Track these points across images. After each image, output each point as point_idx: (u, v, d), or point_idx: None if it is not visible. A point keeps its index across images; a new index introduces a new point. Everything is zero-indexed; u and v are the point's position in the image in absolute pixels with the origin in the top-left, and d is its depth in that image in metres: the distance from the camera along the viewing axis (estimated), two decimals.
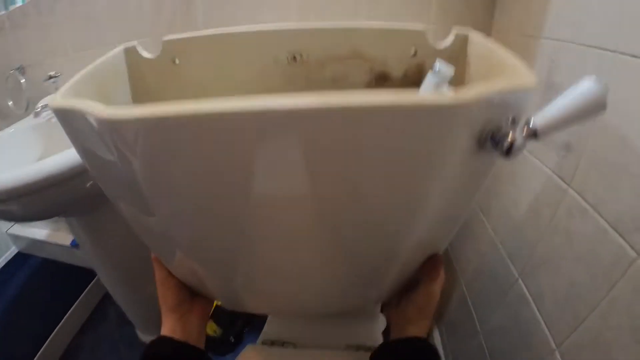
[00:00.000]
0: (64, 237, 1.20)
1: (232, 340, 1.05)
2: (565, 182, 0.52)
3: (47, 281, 1.26)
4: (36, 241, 1.28)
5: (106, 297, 1.26)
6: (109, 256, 0.91)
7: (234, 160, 0.27)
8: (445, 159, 0.28)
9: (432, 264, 0.50)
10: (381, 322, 0.73)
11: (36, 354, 1.07)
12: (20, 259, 1.36)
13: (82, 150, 0.33)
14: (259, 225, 0.34)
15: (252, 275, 0.46)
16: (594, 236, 0.47)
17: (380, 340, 0.69)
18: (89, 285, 1.20)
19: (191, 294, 0.56)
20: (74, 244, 1.14)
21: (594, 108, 0.25)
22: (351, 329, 0.71)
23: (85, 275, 1.24)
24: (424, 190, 0.30)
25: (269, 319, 0.73)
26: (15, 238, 1.36)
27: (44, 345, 1.09)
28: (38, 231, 1.29)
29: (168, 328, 0.53)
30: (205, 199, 0.31)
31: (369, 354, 0.62)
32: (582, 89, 0.25)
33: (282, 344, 0.66)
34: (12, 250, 1.38)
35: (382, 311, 0.76)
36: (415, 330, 0.52)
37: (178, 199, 0.32)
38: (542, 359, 0.57)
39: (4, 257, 1.35)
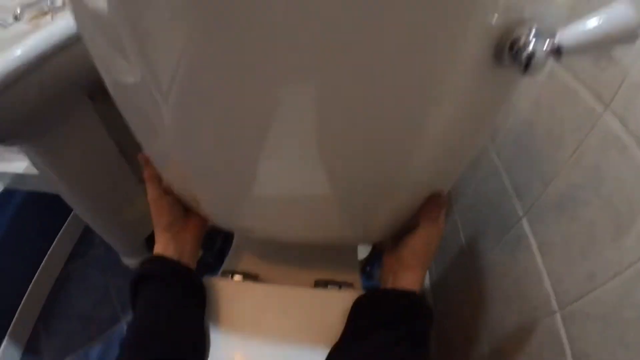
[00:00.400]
0: None
1: (211, 262, 1.06)
2: (602, 103, 0.39)
3: (33, 215, 1.24)
4: (17, 175, 1.22)
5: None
6: (74, 186, 0.87)
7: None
8: (462, 56, 0.26)
9: (433, 203, 0.46)
10: (356, 259, 0.68)
11: (27, 289, 1.09)
12: (5, 196, 1.32)
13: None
14: (261, 124, 0.32)
15: (246, 187, 0.43)
16: (634, 179, 0.35)
17: (356, 277, 0.63)
18: (72, 214, 1.18)
19: (185, 213, 0.54)
20: None
21: (624, 35, 0.23)
22: (323, 263, 0.65)
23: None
24: (435, 93, 0.29)
25: (232, 246, 0.69)
26: None
27: (34, 277, 1.10)
28: (19, 164, 1.23)
29: (161, 246, 0.51)
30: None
31: (339, 292, 0.58)
32: (616, 12, 0.23)
33: (244, 275, 0.62)
34: None
35: (375, 250, 0.69)
36: (409, 278, 0.48)
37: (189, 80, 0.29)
38: (538, 318, 0.50)
39: None
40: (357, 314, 0.49)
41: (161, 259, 0.50)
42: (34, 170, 1.21)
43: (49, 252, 1.14)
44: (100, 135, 0.83)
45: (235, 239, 0.70)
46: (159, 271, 0.49)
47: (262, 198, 0.45)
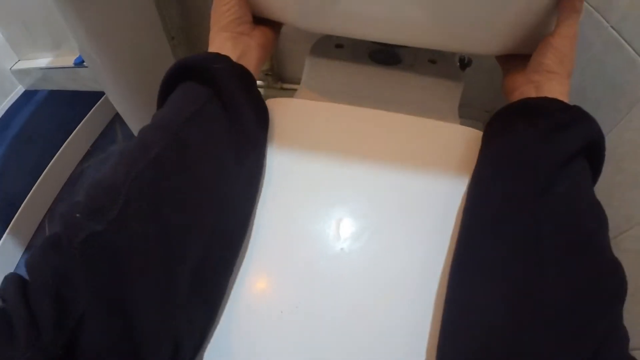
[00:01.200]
0: (67, 60, 1.11)
1: None
2: None
3: (52, 112, 1.18)
4: (40, 71, 1.18)
5: (115, 120, 1.19)
6: (115, 67, 0.77)
7: None
8: None
9: None
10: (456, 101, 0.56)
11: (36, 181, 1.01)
12: (26, 96, 1.26)
13: None
14: None
15: None
16: None
17: (456, 119, 0.53)
18: (93, 108, 1.12)
19: (253, 20, 0.45)
20: (78, 62, 1.02)
21: None
22: (418, 96, 0.54)
23: (90, 99, 1.16)
24: None
25: (305, 71, 0.57)
26: (20, 74, 1.25)
27: (44, 171, 1.02)
28: (42, 61, 1.18)
29: (215, 47, 0.41)
30: None
31: (450, 124, 0.46)
32: None
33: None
34: (19, 90, 1.28)
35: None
36: (556, 89, 0.39)
37: None
38: None
39: (10, 97, 1.25)
40: (508, 122, 0.39)
41: (213, 54, 0.39)
42: (58, 63, 1.18)
43: (62, 146, 1.06)
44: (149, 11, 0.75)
45: (306, 68, 0.58)
46: (207, 64, 0.37)
47: None
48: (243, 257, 0.36)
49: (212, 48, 0.41)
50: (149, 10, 0.74)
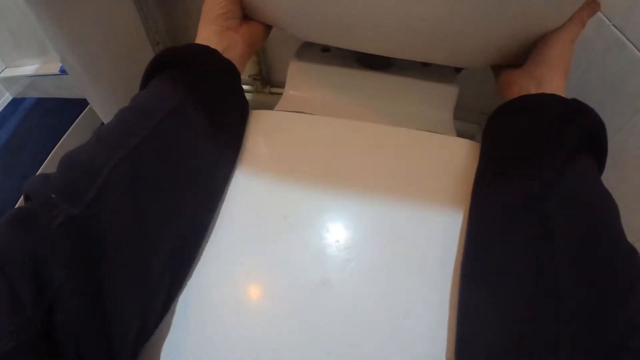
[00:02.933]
0: (54, 67, 1.09)
1: None
2: None
3: (39, 120, 1.16)
4: (27, 78, 1.16)
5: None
6: (96, 75, 0.74)
7: None
8: None
9: (589, 6, 0.40)
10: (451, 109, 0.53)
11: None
12: (14, 104, 1.24)
13: None
14: None
15: None
16: None
17: (451, 129, 0.51)
18: (80, 116, 1.10)
19: (243, 15, 0.46)
20: (63, 69, 1.00)
21: None
22: (410, 103, 0.51)
23: (78, 107, 1.13)
24: None
25: (288, 76, 0.54)
26: (7, 82, 1.23)
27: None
28: (28, 68, 1.16)
29: (201, 38, 0.42)
30: None
31: (441, 135, 0.45)
32: None
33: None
34: (7, 98, 1.26)
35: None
36: (557, 83, 0.39)
37: None
38: None
39: None
40: (506, 120, 0.39)
41: (201, 46, 0.40)
42: (44, 70, 1.15)
43: (50, 155, 1.04)
44: (130, 15, 0.71)
45: (290, 74, 0.55)
46: (194, 55, 0.39)
47: None
48: (213, 290, 0.33)
49: (199, 39, 0.42)
50: (130, 15, 0.71)
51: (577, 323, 0.26)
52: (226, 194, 0.38)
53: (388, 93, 0.51)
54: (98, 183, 0.26)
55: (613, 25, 0.47)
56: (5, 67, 1.23)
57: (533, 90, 0.39)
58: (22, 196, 0.27)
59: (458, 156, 0.41)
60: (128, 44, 0.73)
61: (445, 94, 0.51)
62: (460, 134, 0.53)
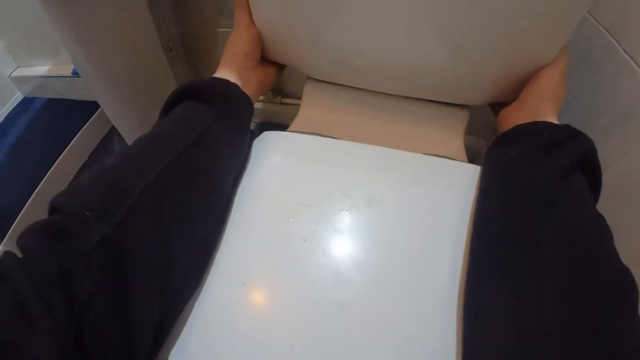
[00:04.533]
0: (66, 69, 1.09)
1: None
2: None
3: (50, 121, 1.16)
4: (39, 79, 1.17)
5: (114, 131, 1.17)
6: (108, 79, 0.74)
7: None
8: None
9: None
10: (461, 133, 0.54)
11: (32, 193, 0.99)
12: (25, 104, 1.25)
13: None
14: None
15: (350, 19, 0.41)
16: None
17: (462, 152, 0.52)
18: (91, 119, 1.11)
19: (261, 59, 0.51)
20: (75, 72, 1.01)
21: None
22: (422, 126, 0.52)
23: (89, 109, 1.14)
24: None
25: (303, 104, 0.56)
26: (19, 81, 1.24)
27: (42, 181, 1.01)
28: (40, 68, 1.17)
29: (221, 73, 0.45)
30: None
31: (452, 162, 0.47)
32: None
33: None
34: (18, 97, 1.27)
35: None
36: (548, 111, 0.41)
37: None
38: None
39: (9, 104, 1.25)
40: (501, 153, 0.40)
41: (224, 80, 0.43)
42: (56, 72, 1.17)
43: (59, 158, 1.05)
44: (139, 7, 0.71)
45: (306, 93, 0.57)
46: (213, 88, 0.41)
47: (365, 38, 0.42)
48: (228, 305, 0.34)
49: (219, 74, 0.45)
50: (144, 21, 0.72)
51: (563, 351, 0.27)
52: (244, 215, 0.40)
53: (400, 115, 0.52)
54: (127, 204, 0.28)
55: (623, 49, 0.48)
56: (17, 67, 1.24)
57: (525, 120, 0.40)
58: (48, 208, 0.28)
59: (465, 183, 0.42)
60: (141, 49, 0.74)
61: (456, 117, 0.52)
62: (469, 148, 0.55)
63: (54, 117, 1.17)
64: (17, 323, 0.21)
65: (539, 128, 0.38)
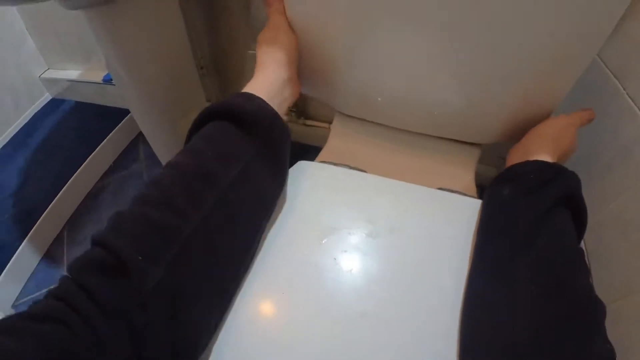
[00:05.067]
0: (97, 75, 1.13)
1: None
2: None
3: (77, 124, 1.20)
4: (69, 82, 1.21)
5: (139, 139, 1.21)
6: (143, 88, 0.79)
7: None
8: None
9: (583, 114, 0.48)
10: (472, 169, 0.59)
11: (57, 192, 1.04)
12: (53, 105, 1.30)
13: None
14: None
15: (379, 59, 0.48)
16: None
17: (472, 186, 0.56)
18: (119, 125, 1.15)
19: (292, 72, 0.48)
20: (107, 79, 1.05)
21: None
22: (435, 166, 0.57)
23: (116, 115, 1.18)
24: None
25: (331, 134, 0.61)
26: (49, 83, 1.29)
27: (67, 182, 1.05)
28: (71, 72, 1.22)
29: (263, 80, 0.43)
30: None
31: (466, 197, 0.51)
32: None
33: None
34: (46, 97, 1.32)
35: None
36: (543, 150, 0.44)
37: None
38: None
39: (37, 104, 1.29)
40: (496, 191, 0.43)
41: (267, 109, 0.40)
42: (87, 77, 1.21)
43: (87, 160, 1.08)
44: (176, 25, 0.77)
45: (334, 125, 0.62)
46: (254, 117, 0.38)
47: (392, 77, 0.49)
48: (268, 310, 0.39)
49: (261, 80, 0.43)
50: (180, 38, 0.77)
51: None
52: (285, 233, 0.45)
53: (417, 150, 0.58)
54: (174, 246, 0.29)
55: (627, 93, 0.52)
56: (48, 68, 1.28)
57: (521, 159, 0.43)
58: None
59: (470, 216, 0.47)
60: (175, 63, 0.78)
61: (468, 154, 0.58)
62: (481, 176, 0.61)
63: (81, 120, 1.22)
64: (90, 349, 0.23)
65: (528, 167, 0.41)
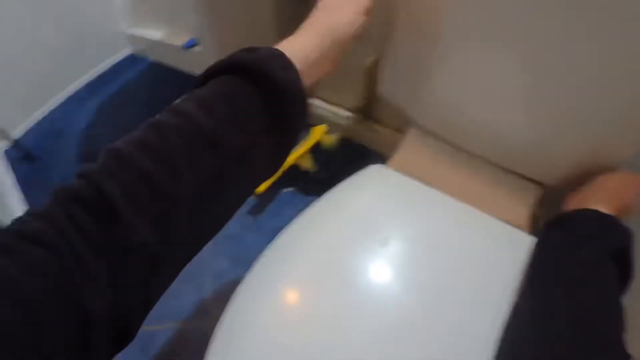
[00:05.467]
0: (179, 39, 1.13)
1: (324, 178, 0.94)
2: None
3: (151, 83, 1.24)
4: (151, 42, 1.24)
5: None
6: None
7: None
8: None
9: None
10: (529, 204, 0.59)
11: None
12: (131, 60, 1.34)
13: None
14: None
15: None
16: None
17: (526, 222, 0.56)
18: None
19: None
20: (190, 45, 1.06)
21: None
22: (496, 194, 0.59)
23: (189, 82, 1.17)
24: None
25: (405, 141, 0.64)
26: (132, 39, 1.33)
27: None
28: (155, 32, 1.23)
29: (304, 41, 0.36)
30: None
31: (517, 229, 0.52)
32: None
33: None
34: (126, 52, 1.36)
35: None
36: (600, 201, 0.43)
37: None
38: None
39: (116, 56, 1.34)
40: (550, 233, 0.44)
41: (294, 79, 0.32)
42: (170, 40, 1.23)
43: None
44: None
45: (408, 139, 0.65)
46: (283, 83, 0.31)
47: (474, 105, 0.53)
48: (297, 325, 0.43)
49: (301, 40, 0.36)
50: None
51: None
52: (341, 228, 0.50)
53: (482, 175, 0.59)
54: (161, 213, 0.27)
55: None
56: (134, 25, 1.32)
57: (578, 206, 0.43)
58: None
59: (519, 252, 0.47)
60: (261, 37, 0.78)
61: (529, 191, 0.58)
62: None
63: (156, 81, 1.24)
64: (81, 285, 0.23)
65: (580, 216, 0.42)
